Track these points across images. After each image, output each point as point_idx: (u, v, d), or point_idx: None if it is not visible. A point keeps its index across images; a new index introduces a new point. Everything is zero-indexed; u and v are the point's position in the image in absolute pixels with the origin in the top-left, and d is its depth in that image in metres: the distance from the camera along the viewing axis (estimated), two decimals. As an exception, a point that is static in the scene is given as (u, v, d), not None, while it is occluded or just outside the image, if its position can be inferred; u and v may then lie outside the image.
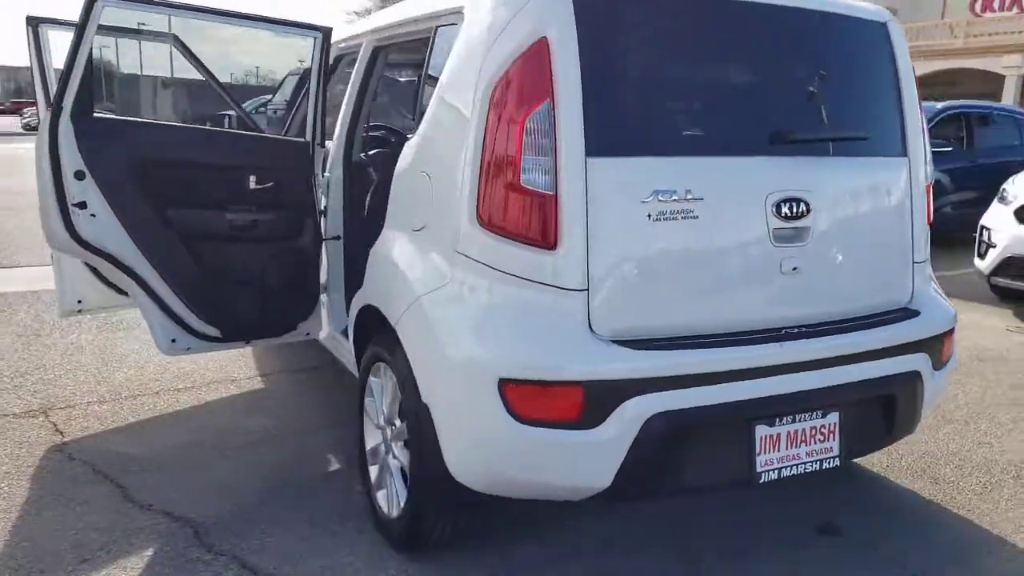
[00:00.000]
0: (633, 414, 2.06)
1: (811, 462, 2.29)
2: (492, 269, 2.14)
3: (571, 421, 2.06)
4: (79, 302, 3.62)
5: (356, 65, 3.39)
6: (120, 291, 3.58)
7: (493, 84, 2.13)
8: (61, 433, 3.47)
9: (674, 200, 2.14)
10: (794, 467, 2.27)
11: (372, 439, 2.80)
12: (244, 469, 3.17)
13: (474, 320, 2.16)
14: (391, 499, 2.59)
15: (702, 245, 2.19)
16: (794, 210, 2.25)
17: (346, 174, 3.46)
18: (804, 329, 2.31)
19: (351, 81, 3.41)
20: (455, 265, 2.21)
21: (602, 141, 2.08)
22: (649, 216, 2.12)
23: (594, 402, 2.05)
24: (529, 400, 2.06)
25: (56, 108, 2.71)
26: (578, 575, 2.49)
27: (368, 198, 3.47)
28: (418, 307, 2.28)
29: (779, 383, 2.22)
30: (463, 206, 2.19)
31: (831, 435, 2.30)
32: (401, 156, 2.57)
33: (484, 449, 2.14)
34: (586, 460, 2.09)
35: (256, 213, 3.19)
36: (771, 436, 2.23)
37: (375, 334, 2.67)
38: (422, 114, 2.50)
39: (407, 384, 2.36)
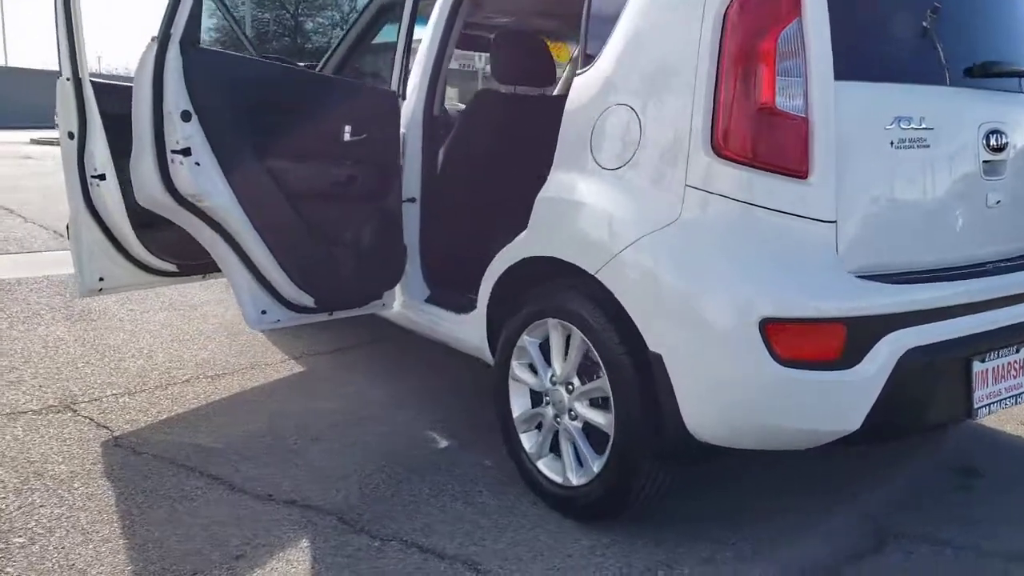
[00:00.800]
0: (889, 351, 1.97)
1: (1012, 396, 2.29)
2: (735, 201, 1.99)
3: (831, 360, 1.94)
4: (100, 279, 3.14)
5: (437, 7, 3.12)
6: (145, 268, 3.14)
7: (730, 1, 1.98)
8: (107, 428, 3.00)
9: (911, 128, 2.07)
10: (1001, 402, 2.26)
11: (522, 405, 2.58)
12: (343, 451, 2.86)
13: (724, 258, 2.00)
14: (569, 466, 2.38)
15: (929, 177, 2.13)
16: (999, 142, 2.24)
17: (426, 131, 3.18)
18: (1007, 264, 2.30)
19: (431, 26, 3.14)
20: (686, 200, 2.04)
21: (847, 64, 1.98)
22: (891, 144, 2.04)
23: (855, 339, 1.95)
24: (792, 340, 1.93)
25: (163, 36, 2.30)
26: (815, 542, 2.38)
27: (464, 152, 3.21)
28: (639, 250, 2.08)
29: (991, 318, 2.20)
30: (694, 136, 2.02)
31: (1031, 369, 2.31)
32: (575, 93, 2.36)
33: (736, 396, 1.98)
34: (841, 401, 1.98)
35: (351, 168, 2.87)
36: (984, 371, 2.20)
37: (538, 290, 2.45)
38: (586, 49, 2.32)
39: (608, 336, 2.17)
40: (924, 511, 2.52)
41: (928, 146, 2.10)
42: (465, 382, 3.59)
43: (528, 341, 2.50)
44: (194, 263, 3.23)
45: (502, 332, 2.61)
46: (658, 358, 2.05)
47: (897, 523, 2.44)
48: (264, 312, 2.79)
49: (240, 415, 3.18)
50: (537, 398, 2.59)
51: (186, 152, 2.40)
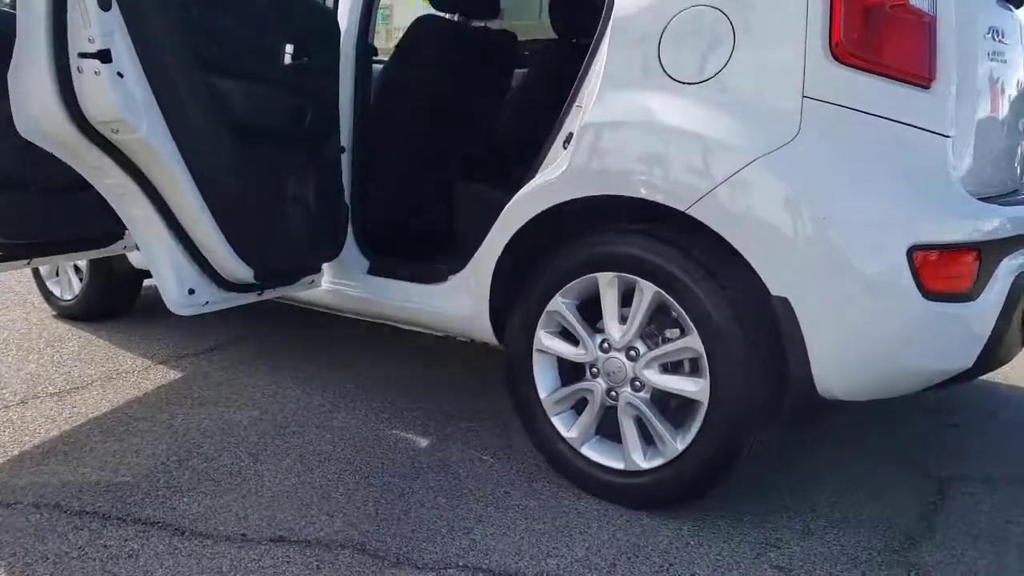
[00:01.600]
0: (1004, 278, 1.82)
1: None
2: (860, 113, 1.71)
3: (965, 291, 1.74)
4: None
5: None
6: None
7: None
8: (-64, 474, 2.09)
9: (999, 41, 1.93)
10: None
11: (551, 383, 2.14)
12: (299, 466, 2.21)
13: (859, 179, 1.71)
14: (634, 447, 1.98)
15: (1007, 95, 2.01)
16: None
17: (360, 63, 2.59)
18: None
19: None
20: (805, 114, 1.72)
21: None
22: (988, 55, 1.88)
23: (984, 266, 1.76)
24: (936, 270, 1.70)
25: None
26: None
27: (404, 90, 2.65)
28: (751, 177, 1.73)
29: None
30: (811, 38, 1.71)
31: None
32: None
33: (879, 339, 1.71)
34: (967, 336, 1.79)
35: (295, 99, 2.22)
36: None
37: (579, 240, 2.01)
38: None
39: (701, 285, 1.81)
40: (957, 455, 2.45)
41: (1005, 62, 1.98)
42: (391, 368, 3.02)
43: (563, 304, 2.06)
44: (21, 243, 2.36)
45: (522, 297, 2.14)
46: (784, 303, 1.72)
47: (941, 469, 2.34)
48: (192, 292, 2.06)
49: (131, 437, 2.37)
50: (573, 372, 2.15)
51: (103, 57, 1.65)
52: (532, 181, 2.12)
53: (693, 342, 1.85)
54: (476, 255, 2.30)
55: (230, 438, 2.39)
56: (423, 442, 2.41)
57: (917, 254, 1.67)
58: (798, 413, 1.80)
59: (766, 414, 1.83)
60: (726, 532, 1.93)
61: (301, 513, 1.97)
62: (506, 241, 2.17)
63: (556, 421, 2.12)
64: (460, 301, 2.36)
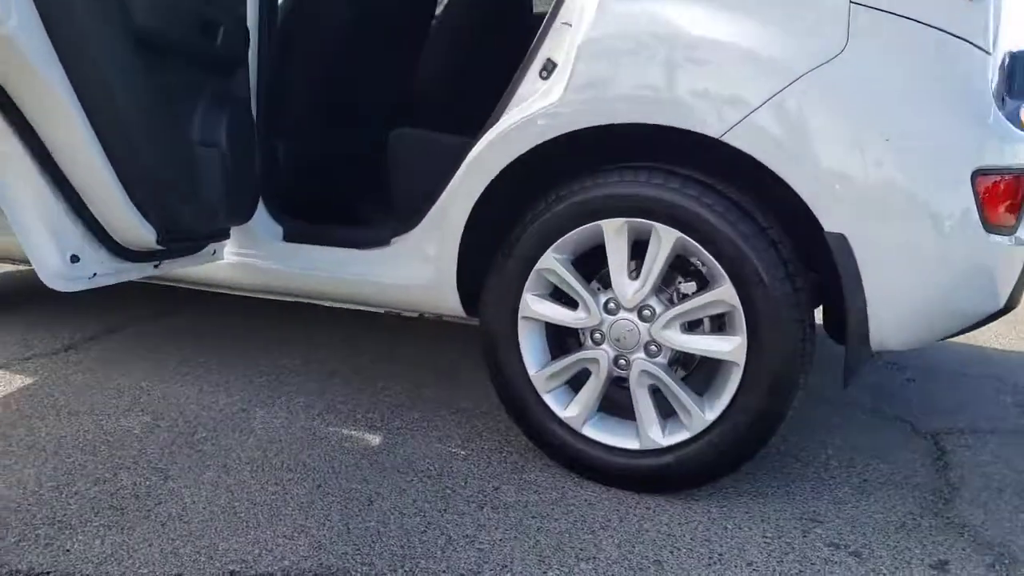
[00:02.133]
0: (1034, 210, 1.70)
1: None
2: (910, 22, 1.51)
3: (1011, 225, 1.60)
4: None
5: None
6: None
7: None
8: None
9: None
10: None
11: (541, 356, 1.81)
12: (231, 480, 1.75)
13: (917, 95, 1.50)
14: (649, 423, 1.70)
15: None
16: None
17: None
18: None
19: None
20: (854, 23, 1.49)
21: None
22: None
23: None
24: (995, 198, 1.53)
25: None
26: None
27: (311, 23, 2.20)
28: (795, 96, 1.48)
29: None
30: (855, -65, 1.49)
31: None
32: None
33: (943, 276, 1.52)
34: (1008, 273, 1.65)
35: (207, 6, 1.73)
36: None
37: (575, 182, 1.69)
38: None
39: (736, 226, 1.55)
40: (931, 409, 2.37)
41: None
42: (306, 357, 2.56)
43: (556, 260, 1.73)
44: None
45: (502, 257, 1.79)
46: (840, 241, 1.49)
47: (925, 424, 2.24)
48: (75, 259, 1.54)
49: (29, 461, 1.79)
50: (561, 342, 1.83)
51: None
52: (506, 119, 1.78)
53: (725, 293, 1.59)
54: (432, 213, 1.92)
55: (122, 452, 1.87)
56: (374, 439, 2.00)
57: (980, 180, 1.50)
58: (850, 366, 1.58)
59: (807, 370, 1.61)
60: (758, 511, 1.69)
61: (249, 538, 1.52)
62: (478, 193, 1.81)
63: (549, 400, 1.80)
64: (413, 268, 1.97)
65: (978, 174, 1.49)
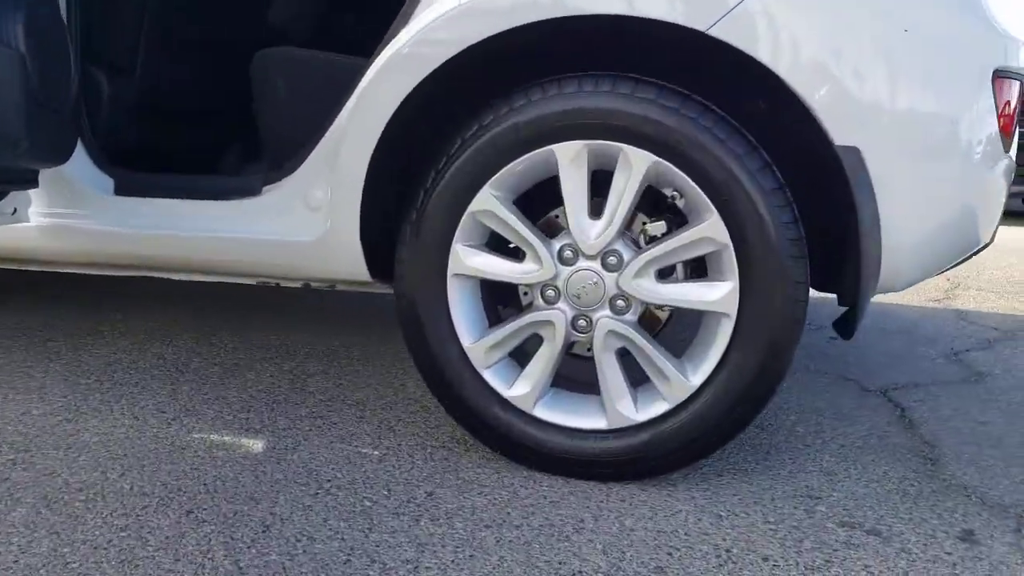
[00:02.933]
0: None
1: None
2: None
3: (1009, 141, 1.41)
4: None
5: None
6: None
7: None
8: None
9: None
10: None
11: (479, 323, 1.44)
12: (61, 517, 1.25)
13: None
14: (617, 394, 1.37)
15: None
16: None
17: None
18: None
19: None
20: None
21: None
22: None
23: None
24: (1007, 107, 1.33)
25: None
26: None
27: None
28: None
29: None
30: None
31: None
32: None
33: (961, 198, 1.30)
34: (1000, 200, 1.47)
35: None
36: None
37: (523, 98, 1.33)
38: None
39: (726, 144, 1.25)
40: (867, 366, 2.21)
41: None
42: (135, 349, 2.03)
43: (495, 198, 1.36)
44: None
45: (421, 202, 1.39)
46: (853, 155, 1.23)
47: (868, 381, 2.07)
48: None
49: None
50: (498, 306, 1.47)
51: None
52: (412, 24, 1.39)
53: (712, 229, 1.29)
54: (319, 151, 1.50)
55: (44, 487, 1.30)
56: (255, 444, 1.54)
57: (999, 83, 1.29)
58: (858, 311, 1.33)
59: (803, 319, 1.34)
60: (748, 492, 1.41)
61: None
62: (384, 122, 1.40)
63: (490, 377, 1.43)
64: (295, 221, 1.53)
65: (998, 75, 1.28)
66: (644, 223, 1.42)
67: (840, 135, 1.23)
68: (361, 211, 1.46)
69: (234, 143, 2.11)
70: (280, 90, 1.67)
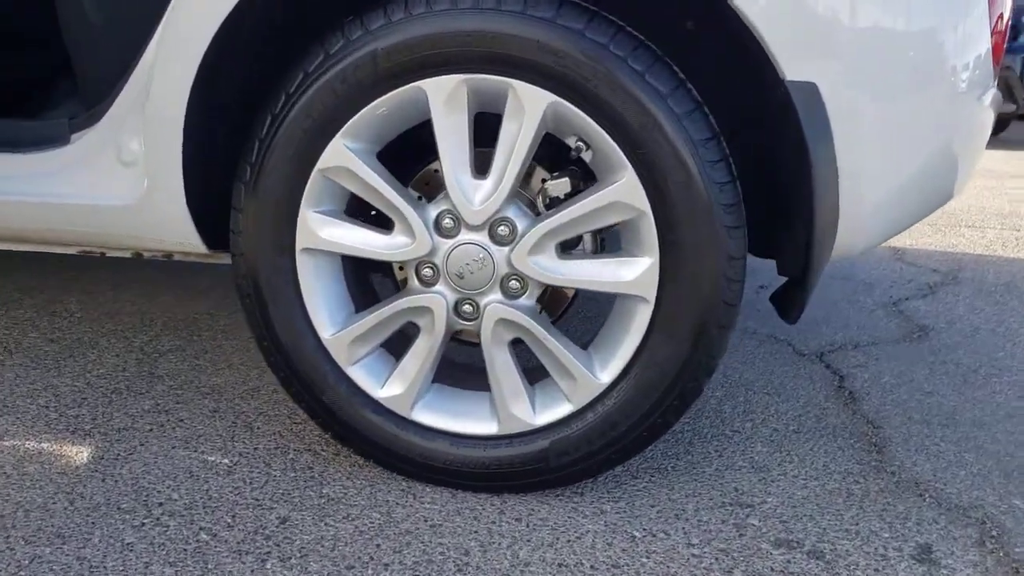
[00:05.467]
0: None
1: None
2: None
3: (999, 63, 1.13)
4: None
5: None
6: None
7: None
8: None
9: None
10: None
11: (342, 310, 1.12)
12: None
13: None
14: (511, 394, 1.08)
15: None
16: None
17: None
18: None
19: None
20: None
21: None
22: None
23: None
24: (1000, 38, 1.05)
25: None
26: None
27: None
28: None
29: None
30: None
31: None
32: None
33: (944, 137, 1.02)
34: (979, 149, 1.20)
35: None
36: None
37: (373, 24, 0.98)
38: None
39: (646, 75, 0.94)
40: (811, 326, 1.97)
41: None
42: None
43: (350, 151, 1.03)
44: None
45: (257, 157, 1.05)
46: (808, 93, 0.93)
47: (802, 344, 1.84)
48: None
49: None
50: (366, 286, 1.16)
51: None
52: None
53: (627, 191, 0.98)
54: (128, 90, 1.13)
55: None
56: (79, 454, 1.22)
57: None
58: (808, 284, 1.06)
59: (738, 301, 1.06)
60: (668, 500, 1.16)
61: None
62: (201, 50, 1.04)
63: (357, 374, 1.12)
64: (108, 179, 1.17)
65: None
66: (544, 180, 1.11)
67: (792, 67, 0.92)
68: (184, 166, 1.11)
69: (61, 75, 1.70)
70: (85, 5, 1.27)
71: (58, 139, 1.22)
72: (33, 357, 1.56)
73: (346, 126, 1.02)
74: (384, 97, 1.00)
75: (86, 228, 1.23)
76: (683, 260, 0.99)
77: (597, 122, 0.96)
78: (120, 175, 1.17)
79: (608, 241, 1.19)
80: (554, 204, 1.10)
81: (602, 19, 0.95)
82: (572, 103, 0.96)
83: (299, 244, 1.08)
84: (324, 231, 1.07)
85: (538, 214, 1.08)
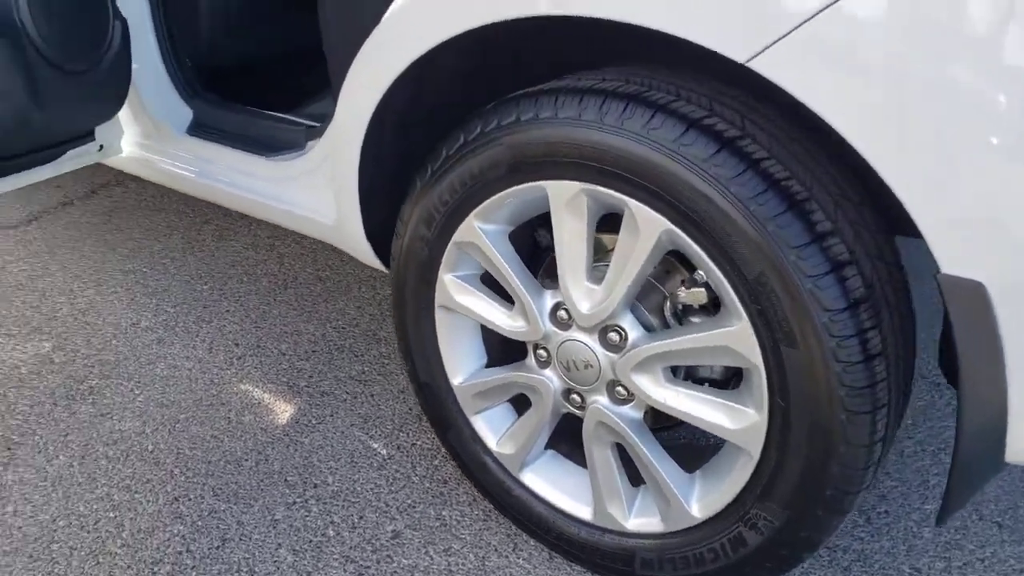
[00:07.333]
0: None
1: None
2: None
3: None
4: None
5: None
6: None
7: None
8: None
9: None
10: None
11: (467, 361, 1.16)
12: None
13: None
14: (608, 493, 1.05)
15: None
16: None
17: None
18: None
19: None
20: None
21: None
22: None
23: None
24: None
25: None
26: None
27: None
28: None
29: None
30: None
31: None
32: None
33: None
34: None
35: None
36: None
37: (534, 104, 0.94)
38: None
39: (756, 231, 0.78)
40: None
41: None
42: (271, 252, 2.01)
43: (480, 231, 1.02)
44: None
45: (407, 211, 1.10)
46: (972, 295, 0.70)
47: None
48: None
49: None
50: (507, 346, 1.17)
51: None
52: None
53: (739, 341, 0.85)
54: (337, 112, 1.21)
55: (-23, 410, 1.44)
56: (284, 413, 1.47)
57: None
58: (957, 491, 0.84)
59: (873, 480, 0.88)
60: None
61: None
62: (381, 92, 1.08)
63: (480, 424, 1.17)
64: (318, 194, 1.31)
65: None
66: (683, 282, 0.99)
67: (953, 260, 0.69)
68: (361, 202, 1.19)
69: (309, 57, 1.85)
70: (336, 16, 1.37)
71: (295, 145, 1.38)
72: (298, 296, 1.85)
73: (477, 208, 1.01)
74: (511, 189, 0.96)
75: (312, 233, 1.40)
76: (792, 434, 0.84)
77: (712, 261, 0.83)
78: (324, 193, 1.30)
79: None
80: (686, 313, 0.99)
81: (731, 152, 0.79)
82: (687, 235, 0.84)
83: (437, 299, 1.12)
84: (457, 295, 1.09)
85: (663, 317, 0.99)
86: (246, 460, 1.34)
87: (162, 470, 1.32)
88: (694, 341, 0.89)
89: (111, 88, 1.39)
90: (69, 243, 2.04)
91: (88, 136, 1.44)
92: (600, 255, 1.02)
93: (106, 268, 1.93)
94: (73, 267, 1.94)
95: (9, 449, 1.36)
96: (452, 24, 0.93)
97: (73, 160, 1.45)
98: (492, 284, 1.09)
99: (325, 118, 1.29)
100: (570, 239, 0.94)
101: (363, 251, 1.27)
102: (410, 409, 1.48)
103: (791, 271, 0.77)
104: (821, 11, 0.67)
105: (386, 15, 1.02)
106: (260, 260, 1.98)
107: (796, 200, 0.78)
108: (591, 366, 1.00)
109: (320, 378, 1.56)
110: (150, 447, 1.37)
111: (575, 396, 1.05)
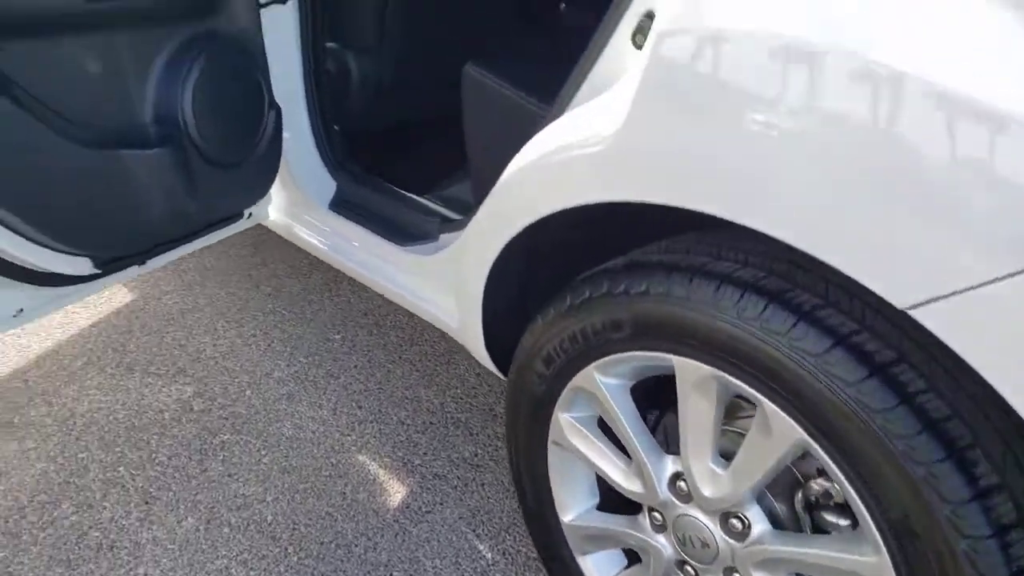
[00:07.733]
0: None
1: None
2: None
3: None
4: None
5: None
6: None
7: None
8: None
9: None
10: None
11: (581, 500, 1.12)
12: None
13: None
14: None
15: None
16: None
17: None
18: None
19: None
20: None
21: None
22: None
23: None
24: None
25: None
26: None
27: None
28: None
29: None
30: None
31: None
32: None
33: None
34: None
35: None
36: None
37: (663, 277, 0.88)
38: None
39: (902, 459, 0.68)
40: None
41: None
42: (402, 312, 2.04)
43: (601, 382, 0.97)
44: None
45: (528, 341, 1.06)
46: None
47: None
48: (19, 312, 1.19)
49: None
50: (620, 501, 1.12)
51: None
52: (565, 117, 0.96)
53: (875, 573, 0.76)
54: (474, 220, 1.19)
55: (132, 453, 1.55)
56: (394, 495, 1.48)
57: None
58: None
59: None
60: None
61: None
62: (507, 239, 1.05)
63: (586, 564, 1.12)
64: (446, 293, 1.30)
65: None
66: (818, 469, 0.90)
67: None
68: (484, 319, 1.17)
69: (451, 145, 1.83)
70: (480, 118, 1.35)
71: (428, 236, 1.38)
72: (422, 355, 1.86)
73: (598, 361, 0.95)
74: (635, 353, 0.91)
75: (439, 327, 1.39)
76: None
77: (850, 484, 0.74)
78: (440, 289, 1.29)
79: None
80: (818, 507, 0.89)
81: (881, 380, 0.69)
82: (818, 444, 0.75)
83: (551, 436, 1.08)
84: (573, 437, 1.05)
85: (792, 506, 0.90)
86: (356, 546, 1.37)
87: (278, 546, 1.37)
88: (819, 556, 0.80)
89: (263, 175, 1.44)
90: (219, 276, 2.16)
91: (234, 218, 1.50)
92: (728, 420, 0.94)
93: (249, 307, 2.03)
94: (220, 303, 2.05)
95: (147, 503, 1.45)
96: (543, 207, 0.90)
97: (222, 232, 1.52)
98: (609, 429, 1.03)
99: (455, 202, 1.27)
100: (696, 418, 0.87)
101: (483, 359, 1.25)
102: (518, 507, 1.45)
103: (944, 528, 0.67)
104: (1001, 279, 0.57)
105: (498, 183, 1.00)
106: (391, 311, 2.02)
107: (958, 447, 0.68)
108: (708, 547, 0.92)
109: (434, 456, 1.56)
110: (269, 518, 1.42)
111: (689, 568, 0.98)
